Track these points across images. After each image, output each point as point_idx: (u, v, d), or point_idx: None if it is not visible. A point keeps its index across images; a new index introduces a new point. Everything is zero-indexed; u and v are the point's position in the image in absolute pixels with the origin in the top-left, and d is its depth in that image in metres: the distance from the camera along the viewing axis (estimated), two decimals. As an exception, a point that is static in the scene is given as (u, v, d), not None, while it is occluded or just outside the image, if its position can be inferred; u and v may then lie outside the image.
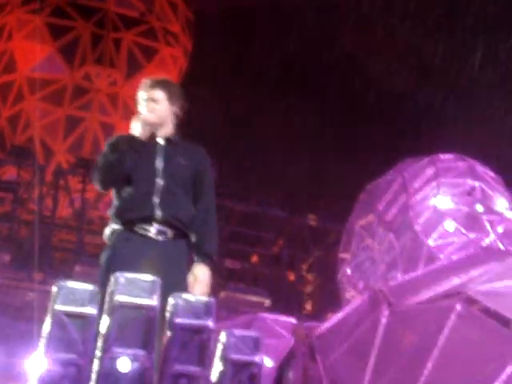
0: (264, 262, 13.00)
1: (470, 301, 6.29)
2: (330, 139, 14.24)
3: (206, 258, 4.06)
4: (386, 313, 6.75)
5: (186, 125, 4.26)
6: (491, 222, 10.58)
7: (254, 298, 11.73)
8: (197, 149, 4.28)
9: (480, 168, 11.87)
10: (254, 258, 13.29)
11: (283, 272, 13.04)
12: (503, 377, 5.35)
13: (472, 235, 10.38)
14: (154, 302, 3.11)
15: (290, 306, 12.07)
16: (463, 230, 10.56)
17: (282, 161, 14.37)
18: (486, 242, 9.96)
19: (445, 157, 12.05)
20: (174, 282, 3.75)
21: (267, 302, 11.84)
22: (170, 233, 4.01)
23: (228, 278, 12.22)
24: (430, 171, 11.73)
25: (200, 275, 3.99)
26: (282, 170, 14.27)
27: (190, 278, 3.99)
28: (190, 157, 4.17)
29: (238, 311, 10.70)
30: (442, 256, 9.78)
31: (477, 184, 11.40)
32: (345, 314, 7.06)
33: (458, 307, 6.16)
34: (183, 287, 3.87)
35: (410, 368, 6.04)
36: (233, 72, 14.30)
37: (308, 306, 13.40)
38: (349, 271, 10.66)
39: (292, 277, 13.24)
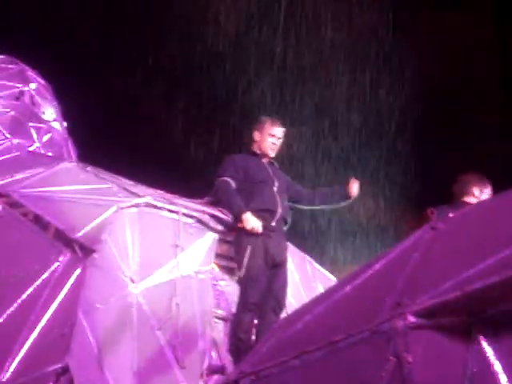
0: None
1: (11, 203, 6.33)
2: None
3: None
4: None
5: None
6: (37, 130, 10.71)
7: None
8: None
9: (31, 73, 11.86)
10: None
11: None
12: (42, 278, 5.57)
13: (16, 141, 10.38)
14: None
15: None
16: (7, 135, 10.48)
17: None
18: (31, 149, 10.07)
19: (-4, 57, 11.75)
20: None
21: None
22: None
23: None
24: (-23, 69, 11.33)
25: None
26: None
27: None
28: None
29: None
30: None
31: (26, 89, 11.38)
32: None
33: (-1, 208, 6.18)
34: None
35: None
36: None
37: None
38: None
39: None
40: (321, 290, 6.81)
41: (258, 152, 6.24)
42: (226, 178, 6.03)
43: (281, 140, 6.28)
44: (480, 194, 5.97)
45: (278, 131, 6.26)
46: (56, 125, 11.30)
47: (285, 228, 6.12)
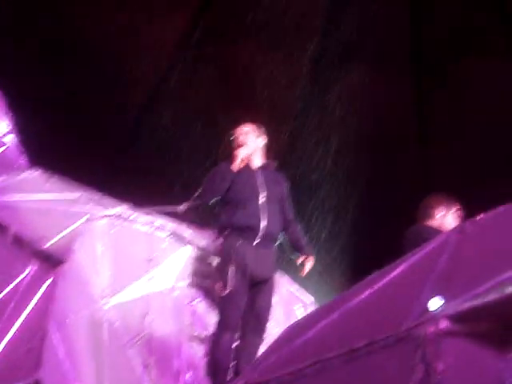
0: None
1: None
2: None
3: None
4: None
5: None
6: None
7: None
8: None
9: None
10: None
11: None
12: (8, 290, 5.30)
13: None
14: None
15: None
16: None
17: None
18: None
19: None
20: None
21: None
22: None
23: None
24: None
25: None
26: None
27: None
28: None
29: None
30: None
31: (-22, 100, 11.05)
32: None
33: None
34: None
35: None
36: None
37: None
38: None
39: None
40: (299, 312, 6.67)
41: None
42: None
43: (247, 136, 5.96)
44: (443, 217, 5.80)
45: (236, 131, 6.01)
46: (10, 138, 10.96)
47: (274, 244, 5.76)
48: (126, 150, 12.84)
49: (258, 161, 5.98)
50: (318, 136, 13.15)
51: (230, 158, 5.86)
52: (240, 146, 5.89)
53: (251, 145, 5.95)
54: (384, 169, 12.50)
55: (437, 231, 5.47)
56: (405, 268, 3.12)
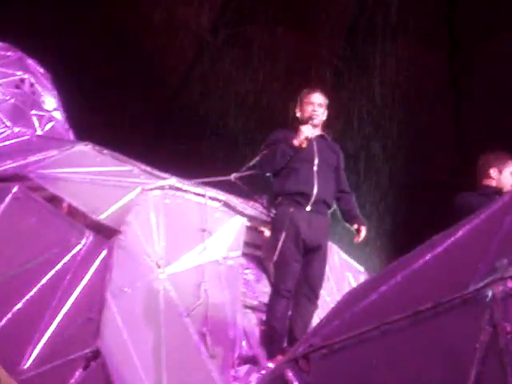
0: None
1: (28, 184, 6.11)
2: None
3: None
4: None
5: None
6: (39, 118, 10.49)
7: None
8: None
9: (30, 61, 11.63)
10: None
11: None
12: (64, 261, 5.35)
13: (17, 129, 10.15)
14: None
15: None
16: (8, 123, 10.24)
17: None
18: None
19: (-6, 44, 11.51)
20: None
21: None
22: None
23: None
24: (-25, 56, 11.10)
25: None
26: None
27: None
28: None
29: None
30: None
31: (26, 77, 11.14)
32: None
33: (15, 189, 5.95)
34: None
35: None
36: None
37: None
38: None
39: None
40: (351, 280, 6.64)
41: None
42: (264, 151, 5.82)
43: (322, 109, 5.91)
44: (498, 174, 5.63)
45: (316, 97, 5.92)
46: (57, 114, 11.08)
47: (328, 211, 5.77)
48: (163, 123, 12.94)
49: (316, 130, 5.92)
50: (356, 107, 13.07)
51: (296, 129, 5.82)
52: (311, 118, 5.83)
53: (321, 118, 5.94)
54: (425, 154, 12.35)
55: (493, 191, 5.35)
56: (470, 229, 3.06)
